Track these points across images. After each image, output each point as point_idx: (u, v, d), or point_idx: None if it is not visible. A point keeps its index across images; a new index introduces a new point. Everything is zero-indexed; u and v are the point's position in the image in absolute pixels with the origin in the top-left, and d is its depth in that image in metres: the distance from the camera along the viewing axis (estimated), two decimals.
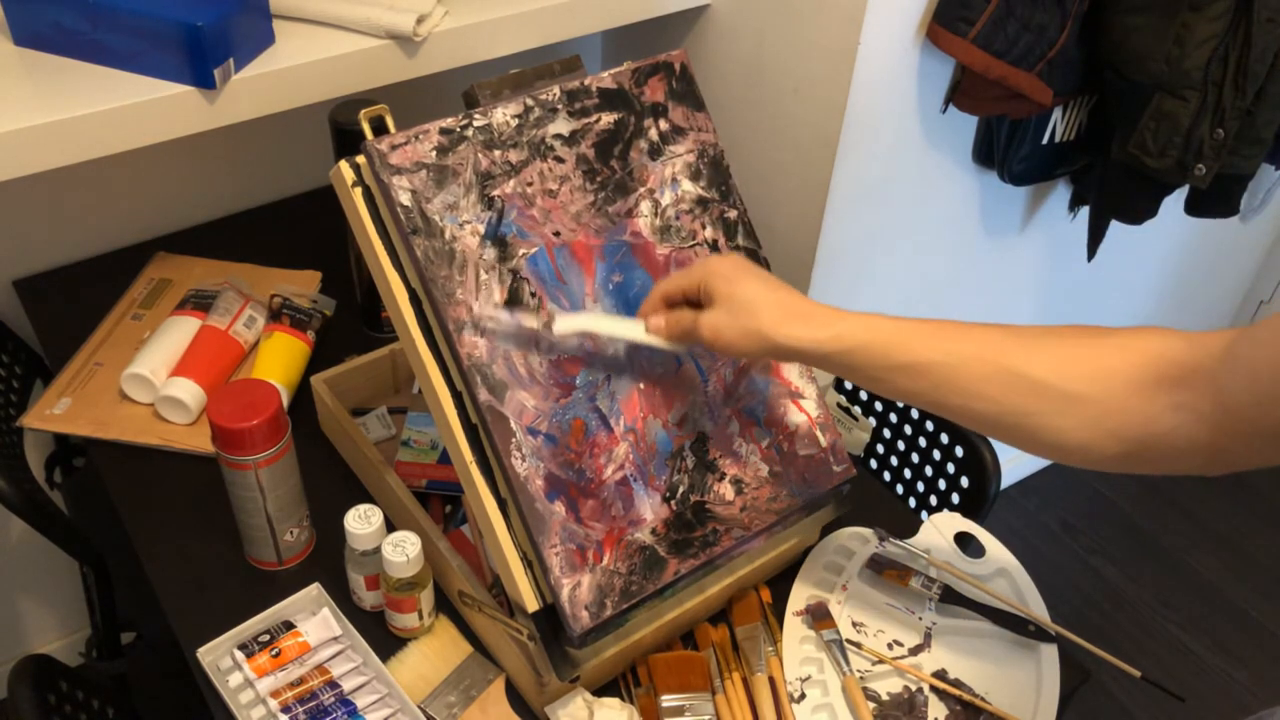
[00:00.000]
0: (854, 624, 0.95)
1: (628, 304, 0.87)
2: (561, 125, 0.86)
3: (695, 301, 0.81)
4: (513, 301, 0.82)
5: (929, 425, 1.22)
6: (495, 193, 0.82)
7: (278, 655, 0.88)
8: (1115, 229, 1.49)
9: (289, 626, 0.90)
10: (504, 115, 0.84)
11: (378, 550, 0.88)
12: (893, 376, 0.74)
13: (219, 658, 0.89)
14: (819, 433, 0.95)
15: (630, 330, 0.84)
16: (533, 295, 0.83)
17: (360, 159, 0.80)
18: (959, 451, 1.18)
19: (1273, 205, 1.88)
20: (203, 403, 1.09)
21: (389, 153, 0.79)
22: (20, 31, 1.01)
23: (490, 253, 0.82)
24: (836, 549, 1.01)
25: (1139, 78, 1.24)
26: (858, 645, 0.93)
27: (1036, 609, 0.96)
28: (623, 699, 0.89)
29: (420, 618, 0.91)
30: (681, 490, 0.88)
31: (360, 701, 0.86)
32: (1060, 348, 0.68)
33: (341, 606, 0.92)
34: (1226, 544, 2.07)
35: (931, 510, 1.24)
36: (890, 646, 0.94)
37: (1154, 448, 0.65)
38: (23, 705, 0.87)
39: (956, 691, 0.90)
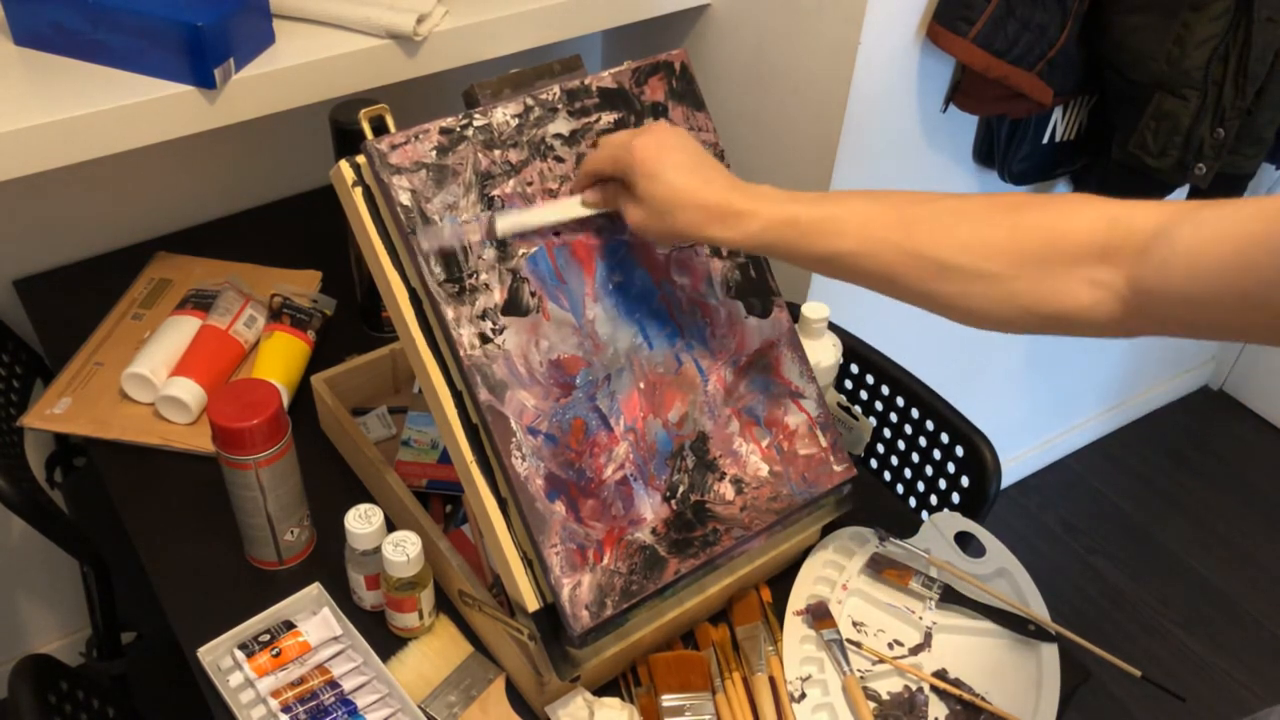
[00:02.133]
0: (854, 623, 0.95)
1: (628, 304, 0.87)
2: (562, 125, 0.86)
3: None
4: (513, 305, 0.82)
5: (929, 425, 1.22)
6: (495, 192, 0.82)
7: (278, 655, 0.88)
8: None
9: (289, 626, 0.90)
10: (504, 115, 0.84)
11: (378, 550, 0.88)
12: (808, 264, 0.76)
13: (219, 657, 0.89)
14: (819, 432, 0.95)
15: (569, 209, 0.84)
16: (532, 294, 0.83)
17: (360, 159, 0.80)
18: (959, 451, 1.18)
19: None
20: (203, 402, 1.09)
21: (389, 152, 0.79)
22: (20, 31, 1.01)
23: (490, 252, 0.82)
24: (837, 548, 1.01)
25: (1139, 77, 1.24)
26: (858, 645, 0.93)
27: (1037, 608, 0.96)
28: (623, 699, 0.89)
29: (420, 617, 0.91)
30: (682, 490, 0.88)
31: (361, 701, 0.86)
32: (973, 227, 0.68)
33: (342, 606, 0.92)
34: (1226, 544, 2.07)
35: (931, 510, 1.24)
36: (890, 646, 0.94)
37: (1067, 320, 0.65)
38: (23, 705, 0.87)
39: (957, 691, 0.90)
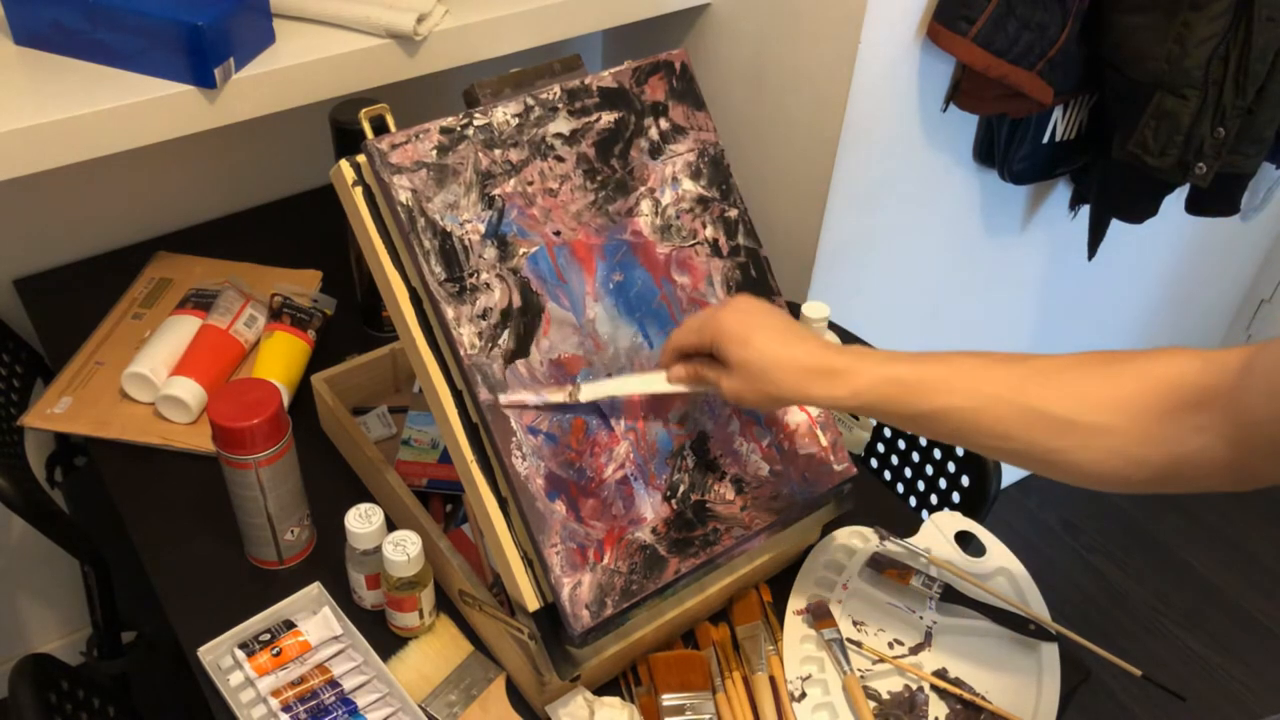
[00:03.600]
0: (854, 623, 0.95)
1: (628, 303, 0.87)
2: (562, 124, 0.86)
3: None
4: (523, 305, 0.82)
5: None
6: (496, 192, 0.82)
7: (278, 654, 0.88)
8: (1116, 228, 1.49)
9: (289, 625, 0.90)
10: (504, 114, 0.84)
11: (378, 549, 0.88)
12: (915, 423, 0.75)
13: (220, 657, 0.89)
14: (819, 431, 0.95)
15: (654, 384, 0.84)
16: (534, 294, 0.83)
17: (361, 158, 0.80)
18: (959, 450, 1.18)
19: (1273, 204, 1.88)
20: (203, 402, 1.09)
21: (389, 152, 0.79)
22: (20, 31, 1.01)
23: (491, 252, 0.82)
24: (837, 548, 1.01)
25: (1140, 76, 1.24)
26: (858, 644, 0.93)
27: (1037, 608, 0.96)
28: (623, 698, 0.89)
29: (421, 617, 0.91)
30: (682, 489, 0.88)
31: (361, 700, 0.86)
32: (1078, 381, 0.68)
33: (342, 605, 0.92)
34: (1227, 543, 2.07)
35: (932, 509, 1.24)
36: (891, 645, 0.94)
37: (1180, 470, 0.65)
38: (24, 705, 0.87)
39: (957, 690, 0.90)
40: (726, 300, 0.83)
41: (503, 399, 0.79)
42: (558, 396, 0.82)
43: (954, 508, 1.19)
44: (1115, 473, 0.67)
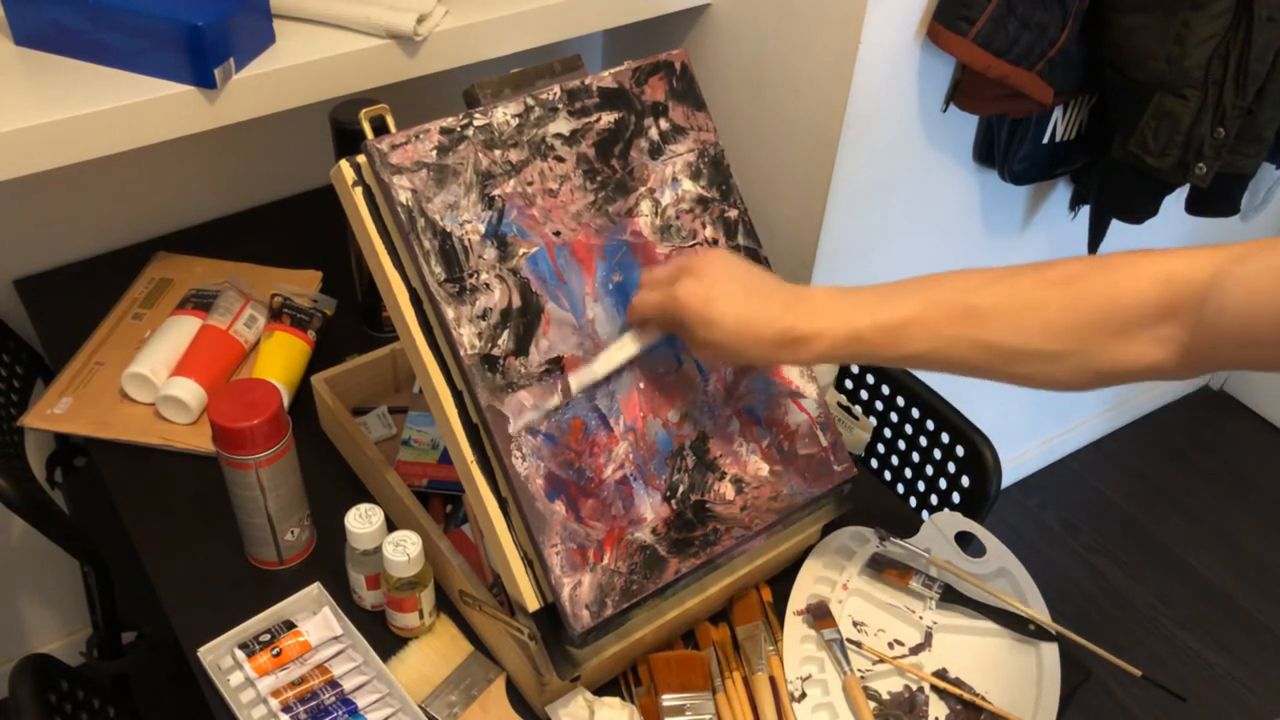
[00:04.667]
0: (855, 623, 0.95)
1: (628, 304, 0.87)
2: (562, 124, 0.86)
3: None
4: (523, 306, 0.82)
5: (929, 425, 1.22)
6: (496, 192, 0.82)
7: (278, 655, 0.88)
8: (1116, 228, 1.49)
9: (290, 626, 0.90)
10: (504, 115, 0.84)
11: (378, 550, 0.88)
12: (883, 364, 0.78)
13: (220, 657, 0.89)
14: (819, 432, 0.94)
15: (629, 347, 0.85)
16: (534, 294, 0.83)
17: (361, 158, 0.80)
18: (959, 451, 1.18)
19: (1274, 204, 1.88)
20: (203, 402, 1.09)
21: (389, 152, 0.79)
22: (20, 31, 1.01)
23: (490, 252, 0.82)
24: (837, 548, 1.01)
25: (1140, 76, 1.24)
26: (858, 644, 0.93)
27: (1037, 608, 0.96)
28: (623, 698, 0.89)
29: (421, 617, 0.91)
30: (682, 489, 0.88)
31: (361, 701, 0.86)
32: (1039, 310, 0.70)
33: (342, 606, 0.92)
34: (1227, 543, 2.07)
35: (932, 509, 1.24)
36: (891, 646, 0.94)
37: (1136, 374, 0.68)
38: (24, 705, 0.87)
39: (957, 690, 0.90)
40: (684, 264, 0.81)
41: (510, 428, 0.80)
42: (553, 400, 0.82)
43: (954, 508, 1.19)
44: (1078, 384, 0.71)
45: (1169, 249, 0.67)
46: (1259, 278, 0.61)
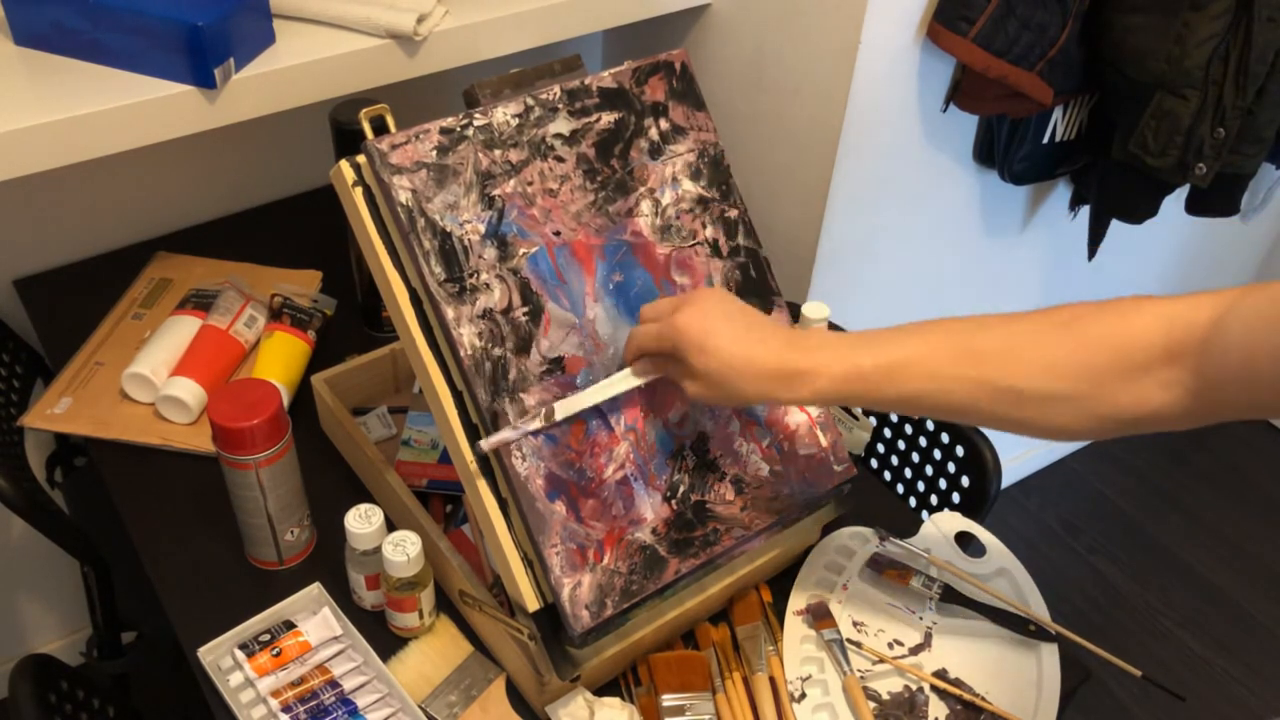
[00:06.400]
0: (854, 623, 0.95)
1: (628, 304, 0.87)
2: (562, 124, 0.86)
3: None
4: (523, 300, 0.82)
5: (929, 425, 1.22)
6: (496, 192, 0.82)
7: (278, 655, 0.88)
8: (1116, 228, 1.49)
9: (289, 626, 0.90)
10: (504, 114, 0.84)
11: (378, 550, 0.88)
12: (881, 407, 0.76)
13: (220, 657, 0.89)
14: (819, 432, 0.95)
15: (621, 384, 0.84)
16: (535, 294, 0.83)
17: (360, 158, 0.80)
18: (959, 451, 1.18)
19: (1273, 204, 1.88)
20: (203, 402, 1.09)
21: (389, 152, 0.79)
22: (20, 31, 1.01)
23: (491, 252, 0.82)
24: (837, 548, 1.01)
25: (1140, 77, 1.24)
26: (858, 645, 0.93)
27: (1037, 608, 0.96)
28: (623, 699, 0.89)
29: (421, 617, 0.91)
30: (682, 489, 0.88)
31: (361, 701, 0.86)
32: (1041, 350, 0.69)
33: (342, 606, 0.92)
34: (1227, 543, 2.07)
35: (932, 510, 1.24)
36: (891, 646, 0.94)
37: (1143, 422, 0.67)
38: (24, 705, 0.87)
39: (957, 691, 0.90)
40: (685, 296, 0.81)
41: (483, 443, 0.79)
42: (534, 424, 0.80)
43: (954, 508, 1.19)
44: (1081, 431, 0.69)
45: (1169, 295, 0.67)
46: (1258, 310, 0.60)
